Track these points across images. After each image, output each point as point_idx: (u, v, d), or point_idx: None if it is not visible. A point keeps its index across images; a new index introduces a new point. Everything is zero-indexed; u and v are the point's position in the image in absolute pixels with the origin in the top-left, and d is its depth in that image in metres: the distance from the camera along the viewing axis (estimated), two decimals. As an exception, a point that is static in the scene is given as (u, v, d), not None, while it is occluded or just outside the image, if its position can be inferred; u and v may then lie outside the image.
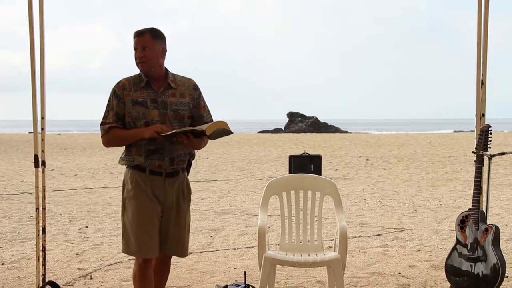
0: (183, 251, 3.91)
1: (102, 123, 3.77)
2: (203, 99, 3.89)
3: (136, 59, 3.73)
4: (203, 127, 3.64)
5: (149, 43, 3.69)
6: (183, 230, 3.84)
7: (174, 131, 3.62)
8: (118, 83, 3.78)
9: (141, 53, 3.69)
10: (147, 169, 3.72)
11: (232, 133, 3.74)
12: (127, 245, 3.78)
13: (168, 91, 3.75)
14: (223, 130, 3.69)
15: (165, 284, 4.05)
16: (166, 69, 3.82)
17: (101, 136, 3.81)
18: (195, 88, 3.85)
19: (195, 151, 3.90)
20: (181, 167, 3.79)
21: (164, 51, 3.78)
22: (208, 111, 3.91)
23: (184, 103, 3.76)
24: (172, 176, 3.76)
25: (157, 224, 3.76)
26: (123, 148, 3.85)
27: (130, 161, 3.76)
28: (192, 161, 3.92)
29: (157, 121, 3.67)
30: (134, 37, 3.73)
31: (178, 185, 3.79)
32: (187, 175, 3.91)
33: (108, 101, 3.78)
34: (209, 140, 3.85)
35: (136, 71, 3.80)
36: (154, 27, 3.78)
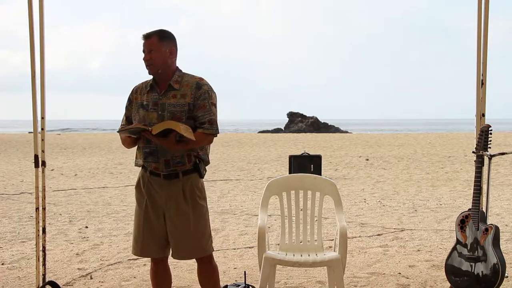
0: (186, 254, 3.86)
1: (120, 126, 3.89)
2: (206, 98, 3.71)
3: (143, 61, 3.75)
4: (155, 125, 3.57)
5: (156, 45, 3.69)
6: (185, 232, 3.77)
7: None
8: (134, 87, 3.89)
9: (147, 55, 3.71)
10: (148, 170, 3.80)
11: (182, 135, 3.52)
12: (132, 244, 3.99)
13: (170, 93, 3.73)
14: (173, 132, 3.53)
15: (210, 284, 3.95)
16: (176, 70, 3.79)
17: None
18: (198, 87, 3.72)
19: (201, 153, 3.80)
20: (180, 169, 3.74)
21: (172, 52, 3.75)
22: (209, 110, 3.71)
23: (182, 103, 3.69)
24: (171, 178, 3.75)
25: (156, 226, 3.81)
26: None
27: (136, 164, 3.89)
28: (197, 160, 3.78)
29: (155, 123, 3.66)
30: (142, 40, 3.74)
31: (177, 187, 3.75)
32: (201, 177, 3.82)
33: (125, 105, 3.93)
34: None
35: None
36: (163, 28, 3.79)
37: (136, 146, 3.87)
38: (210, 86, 3.78)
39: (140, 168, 3.89)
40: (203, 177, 3.85)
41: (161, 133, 3.55)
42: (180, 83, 3.74)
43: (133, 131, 3.65)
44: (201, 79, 3.78)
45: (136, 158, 3.89)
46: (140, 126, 3.59)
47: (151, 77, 3.83)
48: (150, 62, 3.70)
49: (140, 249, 3.89)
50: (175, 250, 3.84)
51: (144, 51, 3.73)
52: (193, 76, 3.80)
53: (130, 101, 3.87)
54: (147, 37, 3.72)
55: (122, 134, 3.78)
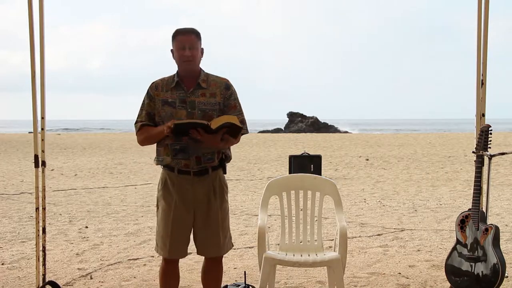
0: (216, 250, 3.87)
1: (136, 122, 3.85)
2: (236, 98, 3.85)
3: (181, 57, 3.73)
4: (210, 121, 3.61)
5: (195, 43, 3.73)
6: (215, 228, 3.82)
7: (177, 121, 3.59)
8: (152, 83, 3.85)
9: (189, 52, 3.72)
10: (175, 169, 3.77)
11: (242, 128, 3.67)
12: (156, 245, 3.91)
13: (198, 91, 3.76)
14: (232, 126, 3.61)
15: (215, 284, 3.97)
16: (200, 69, 3.84)
17: (135, 134, 3.88)
18: (227, 87, 3.82)
19: (227, 149, 3.86)
20: (210, 165, 3.78)
21: (202, 51, 3.81)
22: (240, 110, 3.84)
23: (213, 103, 3.76)
24: (201, 174, 3.77)
25: (186, 225, 3.80)
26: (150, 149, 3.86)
27: (160, 161, 3.83)
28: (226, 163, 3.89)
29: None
30: (178, 35, 3.74)
31: (208, 183, 3.79)
32: (224, 173, 3.90)
33: (142, 101, 3.85)
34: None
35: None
36: (194, 27, 3.83)
37: (152, 144, 3.86)
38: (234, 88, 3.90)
39: (162, 168, 3.85)
40: (226, 173, 3.91)
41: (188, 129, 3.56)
42: (206, 82, 3.80)
43: (187, 125, 3.59)
44: (227, 80, 3.87)
45: (159, 155, 3.82)
46: (199, 121, 3.58)
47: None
48: (190, 58, 3.72)
49: (168, 251, 3.82)
50: (204, 247, 3.85)
51: (181, 47, 3.72)
52: (218, 76, 3.87)
53: (151, 97, 3.81)
54: (187, 33, 3.74)
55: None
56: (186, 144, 3.70)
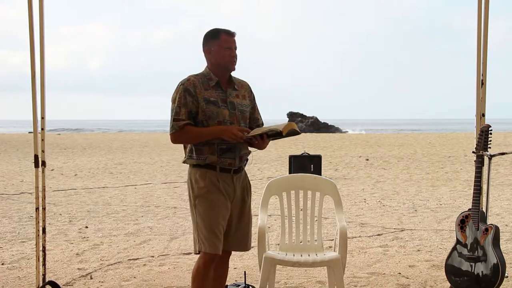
0: (248, 245, 3.99)
1: (175, 120, 3.72)
2: (255, 101, 4.01)
3: (230, 57, 3.79)
4: (279, 127, 3.73)
5: (236, 46, 3.85)
6: (248, 224, 3.93)
7: (255, 133, 3.72)
8: (188, 80, 3.76)
9: (235, 52, 3.82)
10: (218, 167, 3.77)
11: (299, 133, 3.84)
12: (201, 243, 3.76)
13: (233, 92, 3.85)
14: (294, 131, 3.77)
15: (225, 283, 4.07)
16: None
17: (172, 133, 3.75)
18: (251, 90, 3.98)
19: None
20: (244, 164, 3.91)
21: None
22: (259, 112, 4.04)
23: (246, 104, 3.90)
24: (239, 172, 3.86)
25: (226, 221, 3.83)
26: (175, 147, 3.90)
27: (201, 160, 3.77)
28: (248, 157, 3.97)
29: (228, 121, 3.75)
30: (225, 35, 3.78)
31: (243, 180, 3.90)
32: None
33: (178, 98, 3.73)
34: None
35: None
36: None
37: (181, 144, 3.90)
38: None
39: (196, 166, 3.79)
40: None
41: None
42: (235, 84, 3.89)
43: (263, 133, 3.74)
44: (248, 82, 4.00)
45: (201, 154, 3.75)
46: (274, 128, 3.73)
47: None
48: (235, 59, 3.83)
49: (219, 246, 3.76)
50: (238, 242, 3.91)
51: (229, 47, 3.78)
52: (239, 78, 3.96)
53: (193, 95, 3.73)
54: (233, 35, 3.82)
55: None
56: (234, 144, 3.76)
